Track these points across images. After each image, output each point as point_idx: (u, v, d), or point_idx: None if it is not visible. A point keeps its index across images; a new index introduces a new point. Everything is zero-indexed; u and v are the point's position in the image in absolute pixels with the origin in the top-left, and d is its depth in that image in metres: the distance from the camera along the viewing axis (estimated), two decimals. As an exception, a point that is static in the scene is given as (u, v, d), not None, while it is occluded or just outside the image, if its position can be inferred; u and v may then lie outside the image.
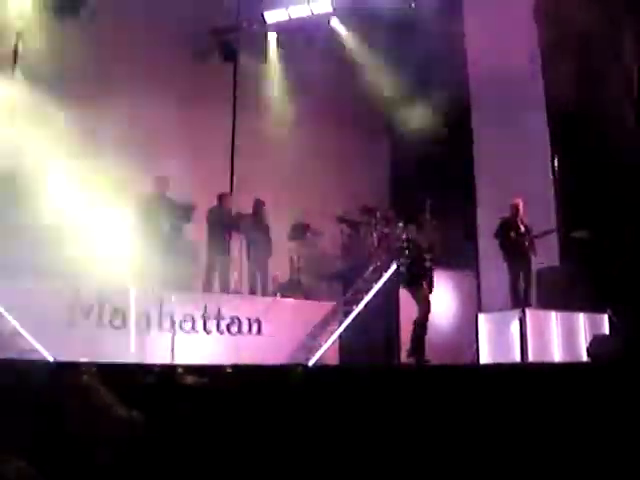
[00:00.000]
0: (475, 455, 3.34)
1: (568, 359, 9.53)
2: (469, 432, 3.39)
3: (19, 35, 11.06)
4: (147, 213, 10.79)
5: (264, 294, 11.80)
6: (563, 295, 10.43)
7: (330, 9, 14.05)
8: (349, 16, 14.22)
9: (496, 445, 3.32)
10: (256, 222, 12.04)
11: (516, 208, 10.86)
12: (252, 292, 11.78)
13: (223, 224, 11.68)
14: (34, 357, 8.54)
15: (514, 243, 10.73)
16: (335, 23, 14.39)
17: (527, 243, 10.78)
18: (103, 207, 10.26)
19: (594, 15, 10.77)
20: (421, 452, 3.45)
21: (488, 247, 11.89)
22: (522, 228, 10.80)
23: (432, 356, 9.70)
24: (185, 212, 11.23)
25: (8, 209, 9.55)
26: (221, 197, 12.01)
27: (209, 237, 11.65)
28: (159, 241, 10.73)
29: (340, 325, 11.22)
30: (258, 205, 12.18)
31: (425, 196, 11.59)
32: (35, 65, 10.73)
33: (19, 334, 8.83)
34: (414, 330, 8.62)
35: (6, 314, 8.78)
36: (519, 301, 10.52)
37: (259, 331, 10.70)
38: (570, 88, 11.24)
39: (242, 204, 12.38)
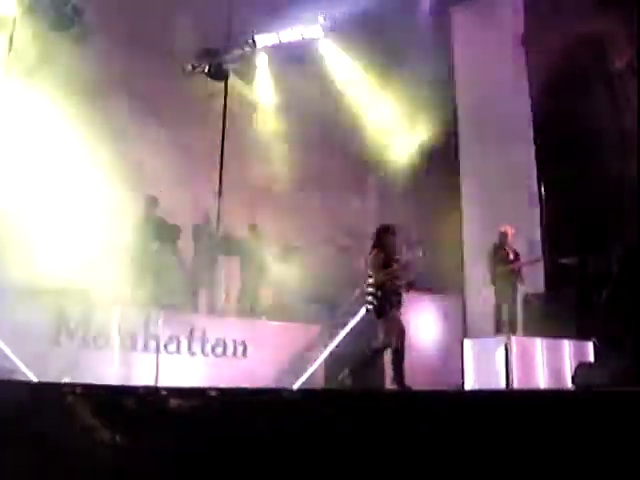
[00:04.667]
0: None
1: (553, 386, 9.53)
2: (452, 460, 3.38)
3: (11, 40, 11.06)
4: (135, 233, 10.79)
5: (252, 315, 11.79)
6: (549, 322, 10.45)
7: (321, 34, 14.14)
8: (339, 40, 14.31)
9: (478, 474, 3.31)
10: (251, 245, 12.10)
11: (505, 235, 10.94)
12: (240, 314, 11.77)
13: (209, 242, 11.70)
14: (16, 377, 8.47)
15: (501, 270, 10.79)
16: (325, 47, 14.47)
17: (515, 270, 10.85)
18: (90, 226, 10.24)
19: (583, 44, 10.91)
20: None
21: (474, 272, 11.94)
22: (511, 255, 10.88)
23: (417, 381, 9.68)
24: (171, 232, 11.23)
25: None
26: (202, 215, 12.07)
27: (195, 256, 11.65)
28: (145, 261, 10.72)
29: (326, 348, 11.19)
30: (253, 229, 12.26)
31: (412, 220, 11.63)
32: (25, 78, 10.74)
33: (1, 353, 8.76)
34: (392, 359, 8.45)
35: (-11, 333, 8.72)
36: (502, 328, 10.55)
37: (244, 353, 10.67)
38: (557, 117, 11.36)
39: (231, 224, 12.41)
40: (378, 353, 8.52)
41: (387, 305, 8.18)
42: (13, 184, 10.07)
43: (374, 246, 8.43)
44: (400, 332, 8.30)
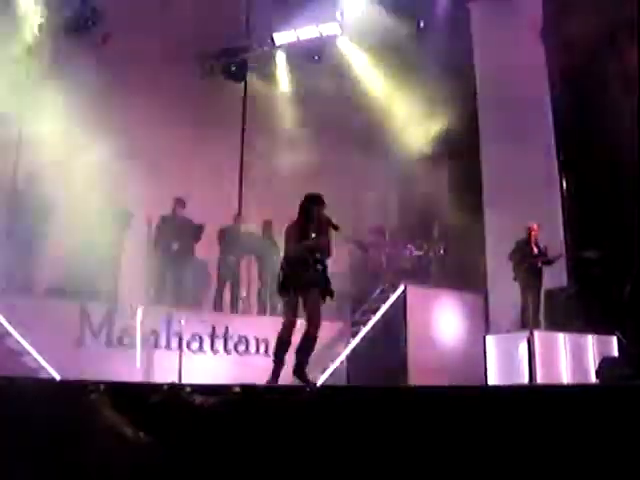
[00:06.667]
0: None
1: (576, 381, 9.48)
2: (476, 455, 3.37)
3: (29, 49, 11.14)
4: (159, 233, 10.87)
5: (272, 314, 11.80)
6: (572, 316, 10.40)
7: (339, 31, 14.11)
8: (357, 37, 14.28)
9: (502, 470, 3.30)
10: (266, 242, 12.08)
11: (530, 232, 10.92)
12: (261, 312, 11.80)
13: (235, 243, 11.73)
14: (41, 376, 8.56)
15: (527, 266, 10.77)
16: (343, 43, 14.45)
17: (540, 265, 10.82)
18: (114, 226, 10.30)
19: (602, 38, 10.82)
20: (427, 478, 3.43)
21: (496, 268, 11.88)
22: (535, 250, 10.85)
23: (440, 377, 9.66)
24: (194, 231, 11.27)
25: (20, 227, 9.61)
26: (234, 218, 12.11)
27: (220, 256, 11.68)
28: (169, 260, 10.78)
29: (348, 346, 11.20)
30: (267, 226, 12.24)
31: (433, 217, 11.60)
32: (46, 81, 10.79)
33: (27, 352, 8.85)
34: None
35: (14, 332, 8.80)
36: (528, 323, 10.52)
37: (267, 351, 10.69)
38: (579, 107, 11.28)
39: (251, 222, 12.43)
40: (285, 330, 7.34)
41: (288, 281, 7.20)
42: (37, 185, 10.16)
43: (298, 216, 7.47)
44: (291, 319, 7.30)
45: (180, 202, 11.23)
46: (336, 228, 7.33)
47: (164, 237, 10.91)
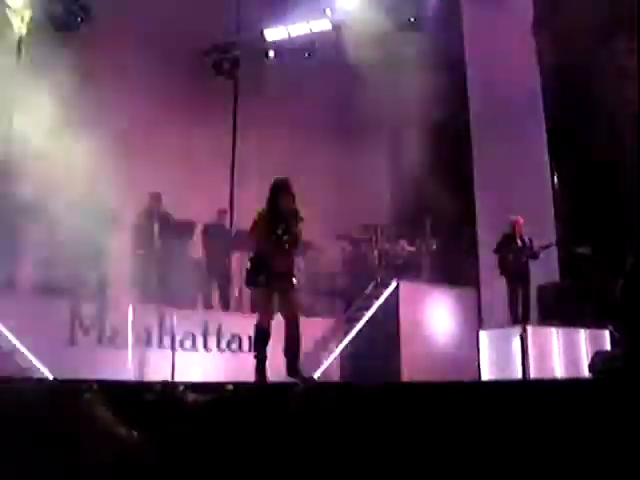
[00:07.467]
0: (475, 475, 3.32)
1: (569, 375, 9.50)
2: (470, 450, 3.37)
3: (20, 41, 11.09)
4: (141, 229, 10.79)
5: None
6: (564, 311, 10.42)
7: (329, 27, 14.08)
8: (348, 33, 14.25)
9: (496, 464, 3.30)
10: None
11: (515, 225, 10.92)
12: (254, 310, 11.77)
13: (222, 240, 11.69)
14: (33, 375, 8.52)
15: (512, 260, 10.78)
16: (334, 40, 14.39)
17: (525, 259, 10.83)
18: (102, 223, 10.22)
19: (594, 32, 10.83)
20: (422, 473, 3.43)
21: (489, 263, 11.89)
22: (519, 243, 10.86)
23: (433, 372, 9.66)
24: (185, 229, 11.23)
25: (9, 226, 9.54)
26: (218, 213, 12.06)
27: (208, 253, 11.65)
28: (157, 258, 10.72)
29: (341, 342, 11.19)
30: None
31: (425, 213, 11.60)
32: (33, 78, 10.71)
33: (18, 352, 8.80)
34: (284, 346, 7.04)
35: (6, 331, 8.75)
36: (517, 318, 10.55)
37: (260, 349, 10.67)
38: (570, 103, 11.30)
39: (244, 219, 12.40)
40: (259, 333, 7.11)
41: (257, 272, 6.83)
42: (26, 182, 10.08)
43: (266, 203, 7.15)
44: (266, 309, 6.98)
45: (155, 197, 11.08)
46: (300, 219, 7.04)
47: (147, 234, 10.78)
